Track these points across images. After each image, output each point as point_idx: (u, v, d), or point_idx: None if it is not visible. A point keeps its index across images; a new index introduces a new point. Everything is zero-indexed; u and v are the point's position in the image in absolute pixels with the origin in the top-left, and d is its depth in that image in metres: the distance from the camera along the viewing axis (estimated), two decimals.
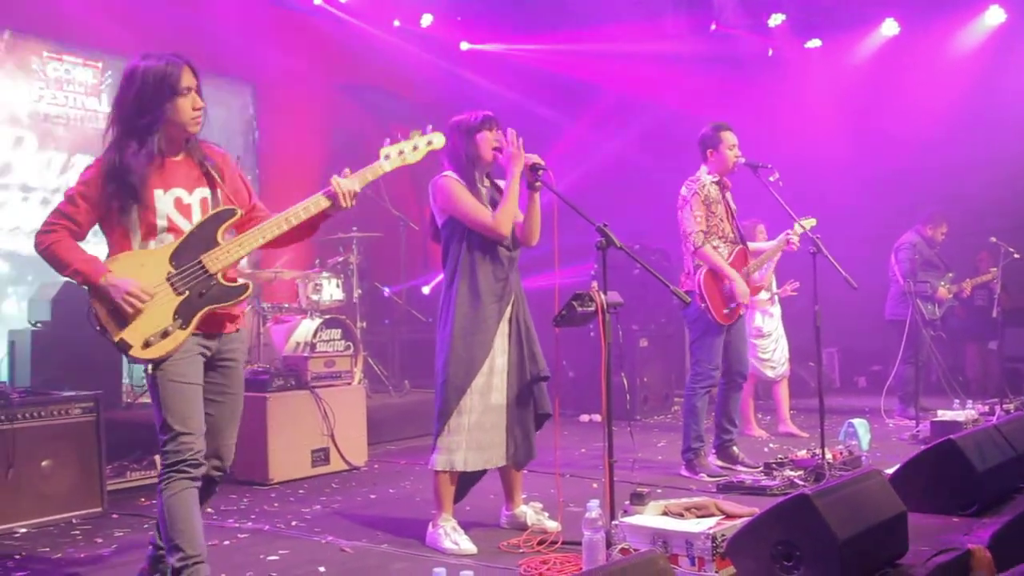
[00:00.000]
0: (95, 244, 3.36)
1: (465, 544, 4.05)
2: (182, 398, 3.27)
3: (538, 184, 4.12)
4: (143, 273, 3.23)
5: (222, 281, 3.34)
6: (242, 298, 3.40)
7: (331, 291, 7.51)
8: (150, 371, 3.26)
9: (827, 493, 3.22)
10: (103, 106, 8.01)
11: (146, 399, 7.24)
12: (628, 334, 8.48)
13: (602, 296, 3.80)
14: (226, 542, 4.34)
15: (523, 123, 4.41)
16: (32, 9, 7.55)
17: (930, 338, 7.91)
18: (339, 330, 7.07)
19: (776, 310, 7.38)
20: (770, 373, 7.29)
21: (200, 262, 3.30)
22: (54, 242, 3.25)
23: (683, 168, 5.96)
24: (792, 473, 5.12)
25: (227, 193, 3.45)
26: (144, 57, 3.29)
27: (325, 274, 7.55)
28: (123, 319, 3.21)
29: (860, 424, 6.08)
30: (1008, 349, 8.57)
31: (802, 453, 5.47)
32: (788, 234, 6.13)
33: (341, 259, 7.82)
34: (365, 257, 8.20)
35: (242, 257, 3.42)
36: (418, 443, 7.11)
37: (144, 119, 3.26)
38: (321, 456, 6.06)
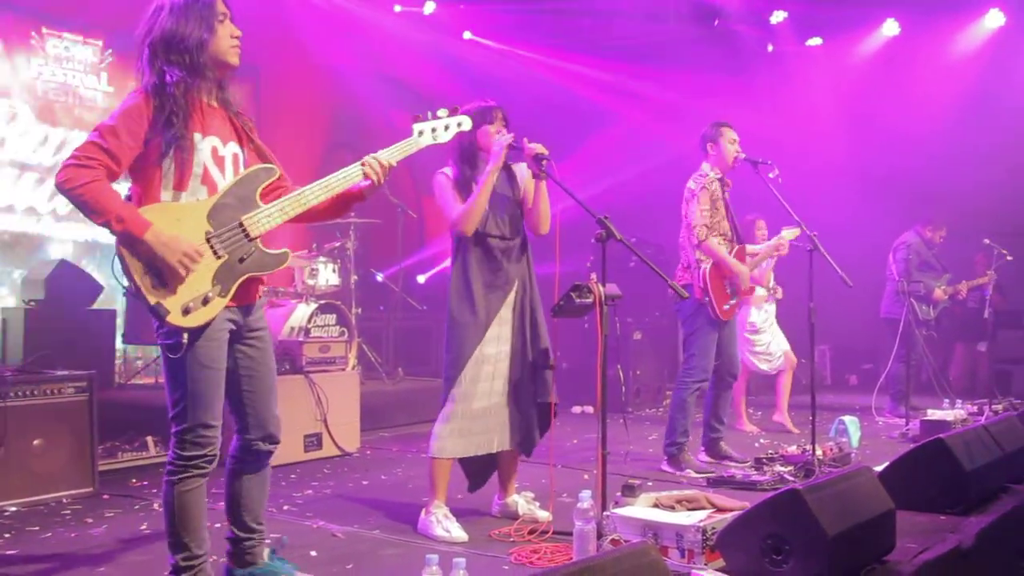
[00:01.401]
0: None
1: (456, 531, 4.07)
2: (213, 386, 3.02)
3: (543, 174, 4.14)
4: (180, 229, 2.89)
5: (262, 246, 3.09)
6: (282, 265, 3.17)
7: (327, 276, 7.50)
8: (184, 341, 2.91)
9: (817, 489, 3.24)
10: (103, 84, 7.98)
11: (139, 380, 7.29)
12: (623, 327, 8.51)
13: (600, 288, 3.81)
14: (217, 525, 4.32)
15: (527, 117, 4.42)
16: None
17: (923, 338, 7.95)
18: (334, 315, 7.04)
19: (771, 306, 7.41)
20: (765, 367, 7.33)
21: (241, 224, 3.02)
22: (92, 181, 2.79)
23: (679, 165, 5.98)
24: (782, 468, 5.16)
25: (256, 154, 3.24)
26: None
27: (321, 259, 7.52)
28: (161, 280, 2.84)
29: (851, 421, 6.12)
30: (999, 351, 8.60)
31: (792, 449, 5.51)
32: (780, 238, 6.29)
33: (338, 244, 7.80)
34: (362, 243, 8.19)
35: (281, 223, 3.14)
36: (411, 430, 7.13)
37: (183, 45, 2.96)
38: (314, 441, 6.07)
